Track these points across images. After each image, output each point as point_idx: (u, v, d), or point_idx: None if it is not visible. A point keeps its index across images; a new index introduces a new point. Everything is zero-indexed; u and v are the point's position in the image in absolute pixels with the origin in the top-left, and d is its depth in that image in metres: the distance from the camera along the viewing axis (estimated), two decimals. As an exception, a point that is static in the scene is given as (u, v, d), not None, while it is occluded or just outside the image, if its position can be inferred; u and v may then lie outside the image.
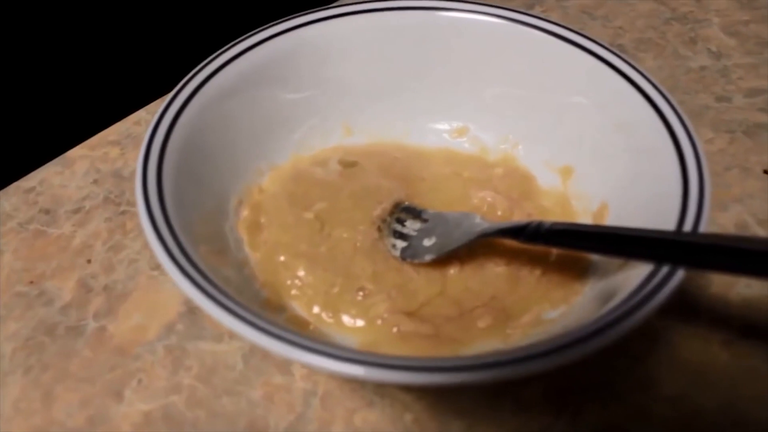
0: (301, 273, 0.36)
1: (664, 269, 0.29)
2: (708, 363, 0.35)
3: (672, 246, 0.29)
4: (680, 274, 0.28)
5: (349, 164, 0.41)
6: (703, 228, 0.30)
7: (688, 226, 0.30)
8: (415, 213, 0.39)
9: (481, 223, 0.36)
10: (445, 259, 0.37)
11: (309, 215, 0.39)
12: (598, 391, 0.34)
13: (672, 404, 0.33)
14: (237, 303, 0.28)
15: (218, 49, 0.39)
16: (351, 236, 0.38)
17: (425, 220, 0.39)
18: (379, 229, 0.39)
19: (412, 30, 0.41)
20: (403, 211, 0.40)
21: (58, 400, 0.34)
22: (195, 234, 0.33)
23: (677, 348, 0.35)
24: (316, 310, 0.35)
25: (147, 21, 0.57)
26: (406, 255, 0.38)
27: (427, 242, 0.38)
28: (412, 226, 0.39)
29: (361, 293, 0.35)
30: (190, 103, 0.36)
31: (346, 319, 0.35)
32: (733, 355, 0.35)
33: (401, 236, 0.39)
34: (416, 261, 0.37)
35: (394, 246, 0.38)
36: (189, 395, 0.34)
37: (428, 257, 0.37)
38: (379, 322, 0.34)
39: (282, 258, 0.37)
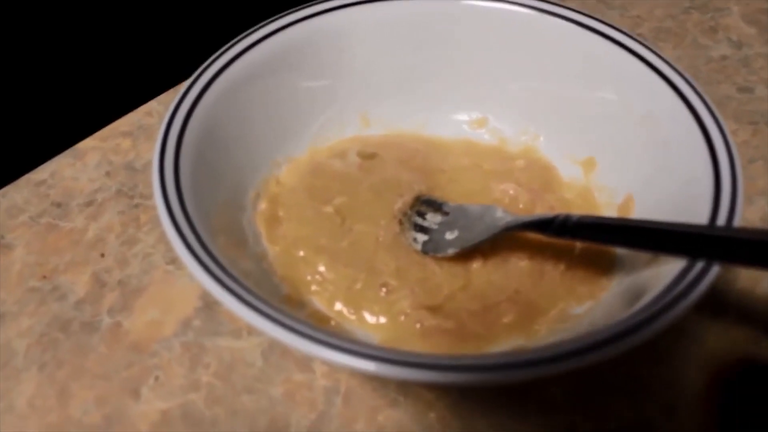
0: (321, 268, 0.35)
1: (698, 266, 0.28)
2: (735, 360, 0.34)
3: (708, 241, 0.28)
4: (715, 271, 0.28)
5: (368, 156, 0.40)
6: (737, 222, 0.30)
7: (721, 221, 0.30)
8: (436, 206, 0.39)
9: (504, 216, 0.36)
10: (468, 252, 0.36)
11: (329, 209, 0.38)
12: (624, 389, 0.33)
13: (699, 402, 0.33)
14: (258, 297, 0.27)
15: (231, 39, 0.38)
16: (372, 230, 0.37)
17: (446, 213, 0.38)
18: (400, 222, 0.38)
19: (433, 19, 0.40)
20: (424, 204, 0.39)
21: (74, 398, 0.34)
22: (213, 226, 0.32)
23: (704, 344, 0.35)
24: (337, 306, 0.34)
25: (158, 11, 0.56)
26: (428, 249, 0.37)
27: (449, 236, 0.37)
28: (433, 219, 0.38)
29: (384, 289, 0.35)
30: (207, 93, 0.35)
31: (368, 316, 0.34)
32: (759, 350, 0.34)
33: (422, 230, 0.38)
34: (439, 255, 0.36)
35: (415, 240, 0.37)
36: (208, 393, 0.34)
37: (450, 251, 0.36)
38: (402, 318, 0.34)
39: (301, 253, 0.36)
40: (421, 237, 0.38)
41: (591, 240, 0.33)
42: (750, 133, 0.45)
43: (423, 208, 0.39)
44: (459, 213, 0.38)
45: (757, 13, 0.54)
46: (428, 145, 0.41)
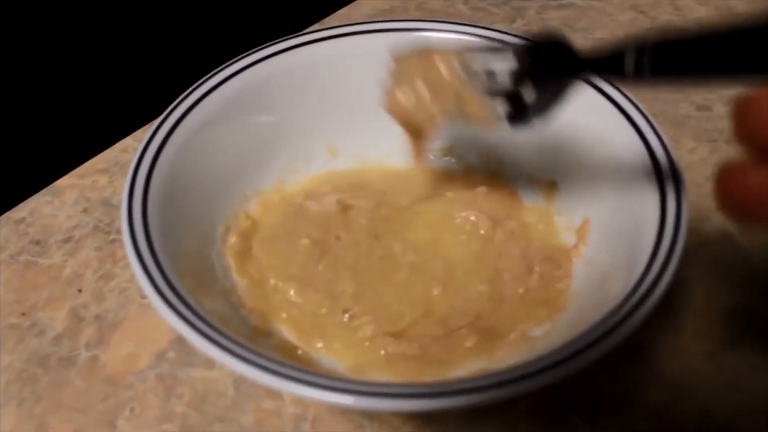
0: (290, 296, 0.37)
1: (646, 282, 0.29)
2: (691, 376, 0.35)
3: None
4: (662, 288, 0.29)
5: (345, 207, 0.41)
6: (681, 245, 0.31)
7: (665, 245, 0.31)
8: (500, 51, 0.32)
9: (570, 55, 0.29)
10: (426, 280, 0.37)
11: (304, 241, 0.39)
12: (584, 407, 0.34)
13: (657, 417, 0.34)
14: (223, 335, 0.28)
15: (203, 76, 0.39)
16: (344, 257, 0.38)
17: (516, 61, 0.31)
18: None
19: (391, 51, 0.41)
20: (488, 53, 0.32)
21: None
22: (181, 262, 0.33)
23: (661, 361, 0.36)
24: (304, 334, 0.36)
25: (131, 48, 0.58)
26: (515, 122, 0.32)
27: (527, 96, 0.31)
28: (502, 74, 0.32)
29: (346, 315, 0.36)
30: (173, 134, 0.36)
31: (334, 343, 0.35)
32: (716, 367, 0.36)
33: (498, 94, 0.32)
34: (527, 125, 0.32)
35: (498, 113, 0.32)
36: (182, 423, 0.35)
37: (533, 117, 0.31)
38: (366, 344, 0.35)
39: (272, 281, 0.37)
40: (502, 107, 0.32)
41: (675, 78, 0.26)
42: (708, 151, 0.47)
43: (488, 62, 0.32)
44: (526, 56, 0.31)
45: (716, 33, 0.55)
46: (394, 179, 0.43)
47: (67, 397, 0.36)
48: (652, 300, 0.29)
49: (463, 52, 0.33)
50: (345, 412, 0.35)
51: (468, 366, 0.34)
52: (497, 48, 0.32)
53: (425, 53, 0.34)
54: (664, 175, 0.34)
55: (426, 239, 0.39)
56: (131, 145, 0.48)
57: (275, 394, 0.35)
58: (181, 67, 0.45)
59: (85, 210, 0.45)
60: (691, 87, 0.27)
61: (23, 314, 0.39)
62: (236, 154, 0.40)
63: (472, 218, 0.40)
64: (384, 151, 0.44)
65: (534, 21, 0.58)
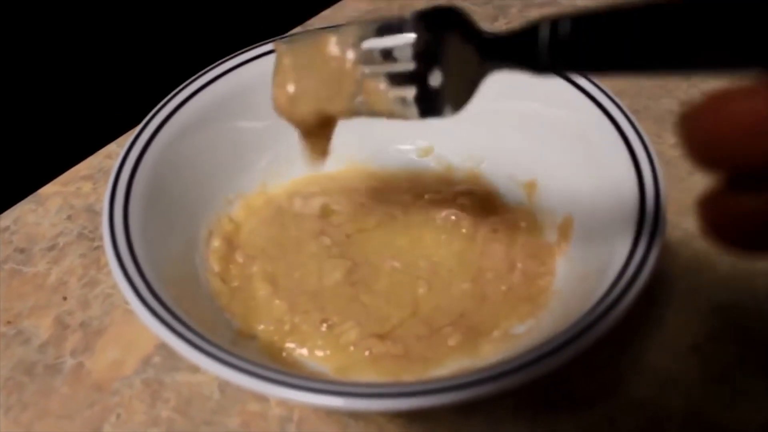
0: (273, 303, 0.37)
1: (626, 277, 0.30)
2: (676, 369, 0.35)
3: None
4: (641, 282, 0.29)
5: (328, 212, 0.41)
6: (659, 240, 0.31)
7: (644, 239, 0.31)
8: (395, 28, 0.28)
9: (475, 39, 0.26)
10: (412, 279, 0.37)
11: (285, 245, 0.39)
12: (569, 402, 0.35)
13: (641, 410, 0.34)
14: (206, 340, 0.29)
15: (186, 80, 0.39)
16: (322, 267, 0.38)
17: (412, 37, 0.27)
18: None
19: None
20: (379, 32, 0.28)
21: (38, 440, 0.35)
22: (164, 268, 0.33)
23: (645, 354, 0.36)
24: (287, 338, 0.36)
25: (113, 52, 0.58)
26: (426, 109, 0.28)
27: (434, 81, 0.27)
28: (403, 53, 0.28)
29: (324, 325, 0.36)
30: (155, 139, 0.37)
31: (317, 351, 0.35)
32: (701, 360, 0.36)
33: (401, 79, 0.28)
34: (438, 114, 0.28)
35: (404, 102, 0.28)
36: (168, 428, 0.35)
37: (444, 105, 0.28)
38: (351, 348, 0.35)
39: (254, 287, 0.37)
40: (409, 92, 0.28)
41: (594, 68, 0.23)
42: (690, 146, 0.47)
43: (383, 42, 0.28)
44: (425, 35, 0.27)
45: (697, 28, 0.56)
46: (376, 182, 0.43)
47: (54, 404, 0.36)
48: (631, 294, 0.29)
49: (357, 33, 0.29)
50: (330, 413, 0.35)
51: (452, 364, 0.35)
52: (394, 24, 0.28)
53: (315, 39, 0.30)
54: (644, 171, 0.34)
55: (408, 241, 0.40)
56: (115, 151, 0.48)
57: (261, 397, 0.35)
58: (164, 71, 0.45)
59: (69, 217, 0.45)
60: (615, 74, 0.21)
61: (9, 322, 0.39)
62: (218, 157, 0.40)
63: (453, 218, 0.40)
64: (367, 152, 0.44)
65: (516, 19, 0.58)
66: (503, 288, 0.37)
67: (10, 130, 0.54)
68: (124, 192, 0.34)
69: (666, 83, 0.51)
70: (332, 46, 0.29)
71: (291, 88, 0.31)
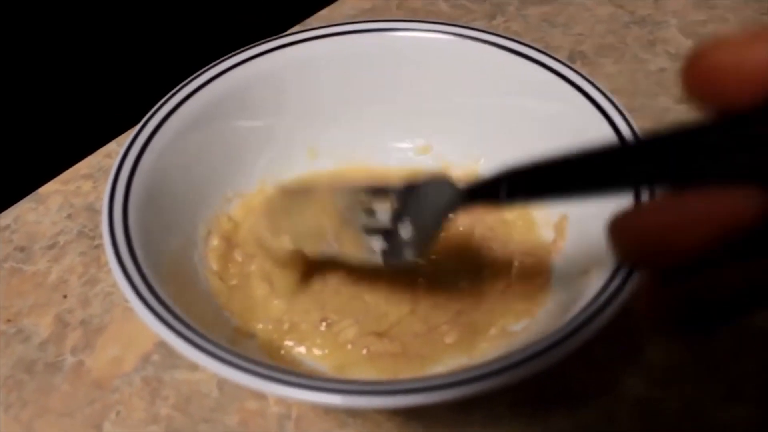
0: (272, 301, 0.37)
1: (620, 275, 0.30)
2: (673, 365, 0.36)
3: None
4: (637, 278, 0.29)
5: None
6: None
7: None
8: (382, 193, 0.32)
9: (450, 191, 0.30)
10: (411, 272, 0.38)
11: (284, 241, 0.39)
12: (566, 398, 0.35)
13: (638, 407, 0.34)
14: (205, 338, 0.29)
15: (185, 78, 0.40)
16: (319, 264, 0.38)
17: (396, 201, 0.32)
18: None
19: (367, 52, 0.42)
20: (369, 195, 0.33)
21: (38, 437, 0.35)
22: (163, 267, 0.33)
23: (642, 351, 0.36)
24: (286, 336, 0.36)
25: (112, 52, 0.58)
26: (389, 259, 0.32)
27: (404, 233, 0.31)
28: (383, 214, 0.32)
29: (324, 323, 0.36)
30: (154, 138, 0.37)
31: (315, 350, 0.36)
32: (697, 357, 0.36)
33: (375, 232, 0.32)
34: (400, 262, 0.32)
35: (373, 250, 0.32)
36: (167, 425, 0.35)
37: (409, 256, 0.31)
38: (349, 346, 0.35)
39: (252, 285, 0.38)
40: (378, 244, 0.32)
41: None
42: (687, 144, 0.47)
43: (369, 202, 0.33)
44: (407, 196, 0.31)
45: (694, 26, 0.56)
46: (374, 180, 0.43)
47: (54, 402, 0.36)
48: (627, 290, 0.29)
49: (345, 191, 0.33)
50: (328, 410, 0.35)
51: (449, 362, 0.35)
52: (379, 189, 0.32)
53: (309, 189, 0.35)
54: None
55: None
56: (115, 150, 0.49)
57: (259, 395, 0.36)
58: (163, 70, 0.45)
59: (69, 216, 0.45)
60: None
61: (9, 321, 0.40)
62: (217, 156, 0.40)
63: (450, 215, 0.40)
64: (364, 151, 0.44)
65: (514, 17, 0.58)
66: (500, 286, 0.37)
67: (10, 128, 0.54)
68: (123, 191, 0.34)
69: (663, 80, 0.52)
70: (325, 199, 0.34)
71: (279, 226, 0.36)
